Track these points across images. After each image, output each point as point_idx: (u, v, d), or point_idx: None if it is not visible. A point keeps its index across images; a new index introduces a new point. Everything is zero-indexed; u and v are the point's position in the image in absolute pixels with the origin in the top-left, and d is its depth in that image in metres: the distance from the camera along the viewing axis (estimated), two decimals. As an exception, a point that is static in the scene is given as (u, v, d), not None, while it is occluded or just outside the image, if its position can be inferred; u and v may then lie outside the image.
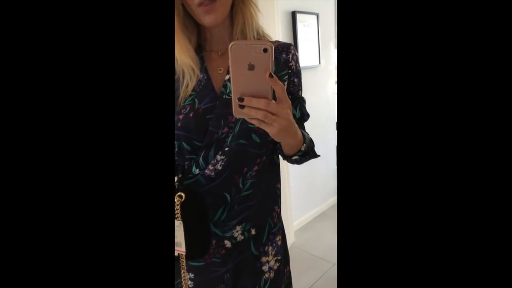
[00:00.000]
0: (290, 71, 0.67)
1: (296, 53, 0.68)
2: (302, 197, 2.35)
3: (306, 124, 0.73)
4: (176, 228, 0.56)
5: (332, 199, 2.65)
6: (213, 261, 0.65)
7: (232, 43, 0.45)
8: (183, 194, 0.57)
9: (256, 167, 0.64)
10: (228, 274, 0.66)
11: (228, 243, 0.65)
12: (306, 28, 2.15)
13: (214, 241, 0.65)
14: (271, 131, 0.49)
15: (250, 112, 0.47)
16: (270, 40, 0.67)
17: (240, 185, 0.64)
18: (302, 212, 2.37)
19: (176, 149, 0.63)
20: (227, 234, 0.65)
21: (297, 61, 0.68)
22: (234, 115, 0.48)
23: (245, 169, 0.64)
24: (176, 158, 0.64)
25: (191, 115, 0.60)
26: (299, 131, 0.58)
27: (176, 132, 0.61)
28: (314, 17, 2.20)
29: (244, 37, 0.62)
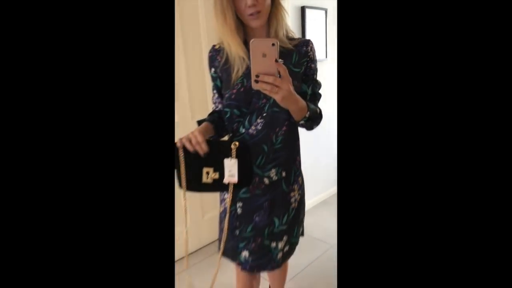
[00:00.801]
0: (308, 59, 0.91)
1: (313, 47, 0.93)
2: (305, 186, 2.46)
3: None
4: (232, 164, 0.82)
5: (332, 188, 2.77)
6: (256, 193, 0.92)
7: (252, 40, 0.67)
8: (237, 143, 0.82)
9: (284, 128, 0.90)
10: (266, 203, 0.92)
11: (266, 181, 0.92)
12: (315, 22, 2.24)
13: (257, 178, 0.90)
14: (277, 98, 0.72)
15: (262, 86, 0.70)
16: (294, 36, 0.90)
17: (274, 140, 0.89)
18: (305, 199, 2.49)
19: (228, 115, 0.88)
20: (266, 174, 0.91)
21: (314, 52, 0.93)
22: (252, 87, 0.70)
23: (277, 129, 0.89)
24: (226, 122, 0.89)
25: (241, 90, 0.86)
26: (300, 101, 0.80)
27: (229, 102, 0.86)
28: (323, 12, 2.29)
29: (276, 34, 0.85)
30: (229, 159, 0.81)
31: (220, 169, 0.82)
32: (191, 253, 1.97)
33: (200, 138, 0.79)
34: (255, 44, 0.67)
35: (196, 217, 1.96)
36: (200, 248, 2.01)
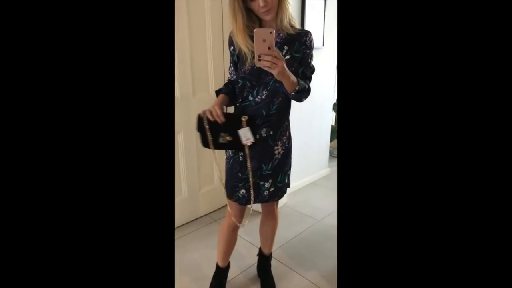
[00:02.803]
0: (305, 47, 1.16)
1: (311, 37, 1.18)
2: (297, 166, 2.59)
3: (306, 102, 1.27)
4: (246, 131, 1.13)
5: (322, 171, 2.94)
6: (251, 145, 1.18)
7: (255, 29, 0.94)
8: (246, 116, 1.12)
9: (280, 99, 1.18)
10: (257, 154, 1.21)
11: (258, 136, 1.17)
12: (314, 11, 2.33)
13: None
14: (274, 72, 0.98)
15: (263, 63, 0.96)
16: (295, 25, 1.14)
17: (270, 107, 1.18)
18: (296, 179, 2.64)
19: (241, 85, 1.14)
20: (259, 132, 1.18)
21: (311, 41, 1.18)
22: (255, 65, 0.98)
23: (275, 99, 1.17)
24: (238, 91, 1.16)
25: (255, 68, 1.08)
26: (292, 76, 1.05)
27: (244, 76, 1.16)
28: (322, 1, 2.39)
29: (282, 23, 1.09)
30: (242, 129, 1.12)
31: (233, 134, 1.13)
32: (188, 222, 2.13)
33: (219, 112, 1.09)
34: (257, 33, 0.94)
35: (193, 191, 2.11)
36: (196, 218, 2.17)
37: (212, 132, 1.12)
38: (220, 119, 1.09)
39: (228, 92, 1.23)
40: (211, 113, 1.09)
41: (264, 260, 1.56)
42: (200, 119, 1.12)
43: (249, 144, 1.13)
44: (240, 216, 1.35)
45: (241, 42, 1.10)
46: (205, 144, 1.15)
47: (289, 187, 1.36)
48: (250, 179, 1.21)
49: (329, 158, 3.05)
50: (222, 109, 1.12)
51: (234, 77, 1.25)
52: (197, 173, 2.09)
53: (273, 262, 1.61)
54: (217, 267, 1.49)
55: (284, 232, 1.98)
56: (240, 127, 1.11)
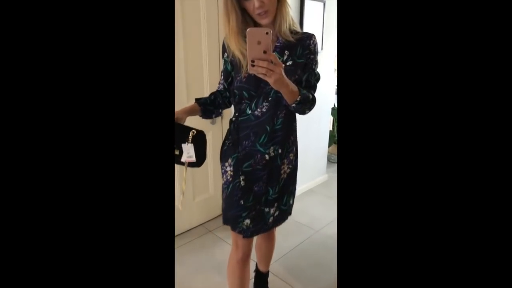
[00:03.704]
0: (308, 51, 1.01)
1: (315, 40, 1.03)
2: (294, 173, 2.56)
3: None
4: (188, 148, 0.99)
5: (319, 178, 2.87)
6: (257, 168, 1.06)
7: (248, 29, 0.76)
8: (195, 131, 0.98)
9: (284, 111, 1.02)
10: (265, 176, 1.06)
11: (267, 157, 1.04)
12: (313, 15, 2.27)
13: (259, 155, 1.03)
14: (270, 80, 0.81)
15: (258, 69, 0.79)
16: (297, 30, 1.00)
17: (275, 122, 1.02)
18: (292, 186, 2.59)
19: (237, 97, 0.99)
20: (266, 151, 1.04)
21: (315, 45, 1.03)
22: (248, 71, 0.81)
23: (278, 112, 1.01)
24: (234, 104, 1.01)
25: (253, 74, 0.90)
26: (292, 85, 0.89)
27: (240, 85, 0.96)
28: (321, 4, 2.32)
29: (280, 28, 0.95)
30: (186, 143, 0.98)
31: (179, 147, 1.00)
32: (182, 233, 2.04)
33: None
34: (251, 33, 0.76)
35: (187, 200, 2.02)
36: (190, 229, 2.09)
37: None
38: None
39: (204, 103, 1.09)
40: None
41: (261, 277, 1.49)
42: None
43: (189, 161, 0.99)
44: (250, 248, 1.15)
45: (234, 46, 0.95)
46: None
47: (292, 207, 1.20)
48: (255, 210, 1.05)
49: (327, 164, 2.98)
50: (181, 118, 1.00)
51: (221, 87, 1.12)
52: (191, 181, 2.01)
53: (270, 277, 1.54)
54: None
55: (281, 244, 1.90)
56: (184, 142, 0.98)
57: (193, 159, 0.99)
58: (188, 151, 0.99)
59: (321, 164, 2.86)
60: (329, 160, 3.25)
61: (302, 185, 2.67)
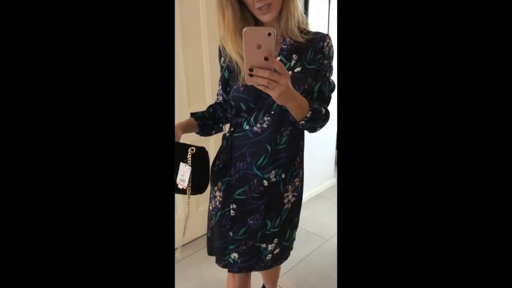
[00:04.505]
0: (322, 55, 0.81)
1: (330, 42, 0.82)
2: (301, 178, 2.47)
3: None
4: (185, 170, 0.80)
5: (328, 182, 2.77)
6: (253, 195, 0.86)
7: (244, 28, 0.58)
8: (194, 148, 0.80)
9: (290, 128, 0.84)
10: (263, 206, 0.86)
11: (266, 182, 0.85)
12: (318, 14, 2.18)
13: (255, 180, 0.84)
14: (273, 94, 0.63)
15: (257, 80, 0.61)
16: (307, 29, 0.83)
17: (278, 140, 0.83)
18: (300, 192, 2.49)
19: (234, 110, 0.82)
20: (266, 176, 0.85)
21: (330, 48, 0.83)
22: (245, 82, 0.62)
23: (283, 128, 0.83)
24: (231, 117, 0.85)
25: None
26: (300, 98, 0.72)
27: (237, 95, 0.79)
28: (326, 3, 2.24)
29: (287, 26, 0.77)
30: (184, 164, 0.79)
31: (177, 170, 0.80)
32: (185, 244, 1.95)
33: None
34: (248, 34, 0.58)
35: (190, 209, 1.93)
36: (194, 239, 2.00)
37: None
38: None
39: (201, 117, 0.92)
40: None
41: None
42: None
43: (180, 187, 0.80)
44: (244, 283, 0.99)
45: (231, 48, 0.77)
46: None
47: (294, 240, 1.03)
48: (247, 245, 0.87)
49: (335, 167, 2.88)
50: (175, 135, 0.81)
51: (220, 98, 0.95)
52: (194, 190, 1.92)
53: (279, 293, 1.44)
54: None
55: (291, 254, 1.80)
56: (183, 161, 0.79)
57: (185, 184, 0.80)
58: (182, 173, 0.80)
59: (329, 168, 2.76)
60: (337, 163, 3.14)
61: (309, 190, 2.57)
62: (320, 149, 2.57)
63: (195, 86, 1.80)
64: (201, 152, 0.82)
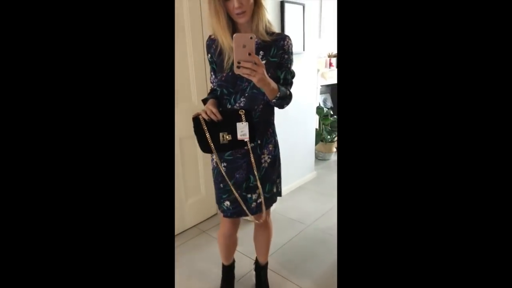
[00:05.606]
0: (283, 51, 1.12)
1: (290, 41, 1.14)
2: (284, 172, 2.59)
3: (290, 107, 1.24)
4: (243, 126, 1.09)
5: (308, 175, 2.94)
6: (237, 156, 1.17)
7: (234, 34, 0.90)
8: (243, 110, 1.08)
9: (261, 106, 1.14)
10: (244, 164, 1.18)
11: (247, 147, 1.13)
12: (293, 17, 2.35)
13: None
14: (254, 79, 0.95)
15: (243, 70, 0.92)
16: (273, 30, 1.10)
17: (253, 115, 1.11)
18: (283, 185, 2.61)
19: (219, 93, 1.10)
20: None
21: (289, 46, 1.14)
22: (234, 72, 0.93)
23: (255, 106, 1.13)
24: (219, 97, 1.11)
25: (230, 74, 1.09)
26: (273, 83, 1.03)
27: (220, 83, 1.07)
28: (301, 7, 2.41)
29: (257, 28, 1.05)
30: (241, 122, 1.08)
31: (232, 131, 1.08)
32: (176, 235, 2.06)
33: (214, 109, 1.06)
34: (237, 38, 0.89)
35: (179, 201, 2.05)
36: (184, 231, 2.11)
37: (211, 133, 1.08)
38: (217, 117, 1.05)
39: (216, 96, 1.18)
40: (205, 112, 1.07)
41: (260, 270, 1.53)
42: (196, 121, 1.08)
43: (245, 139, 1.08)
44: (232, 226, 1.32)
45: (226, 41, 1.04)
46: (205, 148, 1.10)
47: (280, 195, 1.33)
48: (236, 194, 1.17)
49: (315, 161, 3.06)
50: (216, 108, 1.08)
51: (215, 85, 1.21)
52: (183, 183, 2.04)
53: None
54: (223, 265, 1.51)
55: (274, 239, 1.93)
56: (239, 121, 1.07)
57: (247, 137, 1.08)
58: (242, 130, 1.07)
59: (309, 162, 2.93)
60: (317, 157, 3.32)
61: (292, 182, 2.73)
62: (301, 145, 2.74)
63: (180, 85, 1.92)
64: (248, 112, 1.09)
